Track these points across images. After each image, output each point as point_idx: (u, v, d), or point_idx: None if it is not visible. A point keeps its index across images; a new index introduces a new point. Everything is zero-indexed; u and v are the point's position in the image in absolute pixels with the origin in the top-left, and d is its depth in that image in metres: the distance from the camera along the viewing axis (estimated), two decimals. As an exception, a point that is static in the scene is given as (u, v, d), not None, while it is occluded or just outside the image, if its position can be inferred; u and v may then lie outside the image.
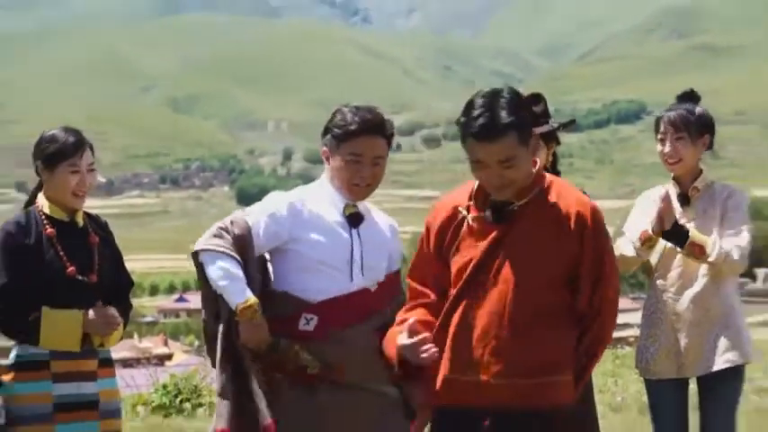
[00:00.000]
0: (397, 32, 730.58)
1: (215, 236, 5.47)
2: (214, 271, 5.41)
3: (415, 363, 4.68)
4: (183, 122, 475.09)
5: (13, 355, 5.88)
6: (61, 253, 5.79)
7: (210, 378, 15.12)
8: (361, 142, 5.47)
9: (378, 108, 5.64)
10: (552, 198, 4.77)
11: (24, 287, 5.72)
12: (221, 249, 5.42)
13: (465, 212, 4.80)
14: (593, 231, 4.72)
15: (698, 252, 5.98)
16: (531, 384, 4.63)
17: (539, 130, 6.10)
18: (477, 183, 4.79)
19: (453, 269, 4.79)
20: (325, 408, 5.39)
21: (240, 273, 5.39)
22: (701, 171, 6.26)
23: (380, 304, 5.50)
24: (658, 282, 6.25)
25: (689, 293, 6.14)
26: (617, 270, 4.87)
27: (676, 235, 5.97)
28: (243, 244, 5.46)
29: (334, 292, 5.44)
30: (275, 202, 5.60)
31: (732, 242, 6.04)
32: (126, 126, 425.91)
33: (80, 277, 5.79)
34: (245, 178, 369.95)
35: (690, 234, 5.97)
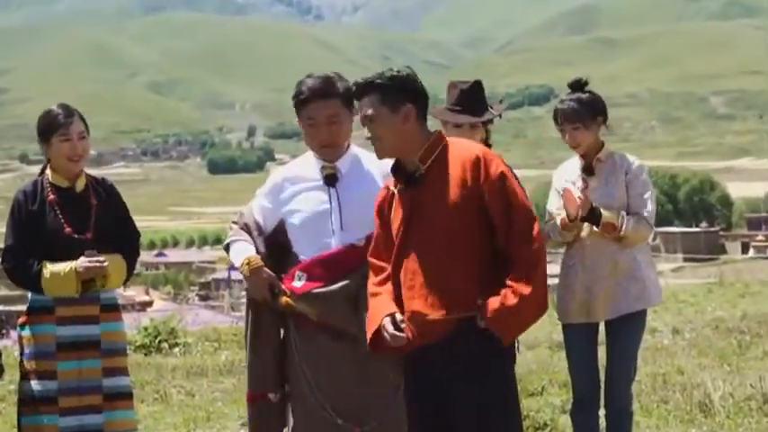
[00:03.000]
0: (344, 27, 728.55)
1: (230, 228, 5.51)
2: (231, 254, 5.40)
3: (391, 345, 4.71)
4: (162, 103, 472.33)
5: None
6: (60, 215, 5.74)
7: (184, 321, 14.97)
8: (312, 108, 5.21)
9: (330, 74, 5.33)
10: (450, 155, 4.70)
11: (30, 246, 5.71)
12: (230, 240, 5.42)
13: (393, 188, 4.79)
14: (486, 169, 4.64)
15: (611, 229, 5.93)
16: (461, 318, 4.63)
17: (484, 118, 6.24)
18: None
19: (392, 234, 4.79)
20: (317, 352, 5.20)
21: (243, 246, 5.36)
22: (602, 144, 6.16)
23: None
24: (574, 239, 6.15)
25: (598, 250, 6.04)
26: (525, 199, 4.76)
27: (593, 218, 5.92)
28: (249, 228, 5.41)
29: (317, 251, 5.21)
30: (267, 183, 5.49)
31: (639, 215, 6.01)
32: (113, 106, 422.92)
33: (76, 236, 5.72)
34: (215, 151, 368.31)
35: (602, 216, 5.92)
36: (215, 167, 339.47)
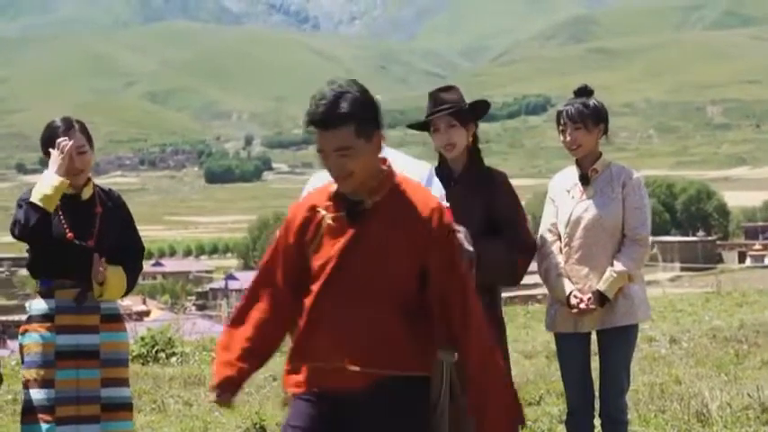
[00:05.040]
0: (341, 37, 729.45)
1: None
2: None
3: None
4: (160, 113, 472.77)
5: (28, 309, 5.90)
6: (63, 221, 5.74)
7: (181, 331, 14.95)
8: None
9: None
10: (403, 197, 4.33)
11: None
12: None
13: (324, 212, 4.35)
14: (440, 229, 4.28)
15: (624, 285, 6.00)
16: (384, 375, 4.26)
17: (447, 112, 5.95)
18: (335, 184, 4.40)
19: (315, 265, 4.35)
20: None
21: None
22: (600, 154, 6.17)
23: None
24: (564, 249, 6.13)
25: (590, 261, 6.05)
26: (469, 266, 4.58)
27: (605, 300, 5.97)
28: None
29: None
30: (309, 185, 5.21)
31: (632, 241, 6.04)
32: (110, 116, 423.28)
33: (78, 242, 5.73)
34: (213, 160, 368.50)
35: (608, 295, 5.94)
36: (212, 177, 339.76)
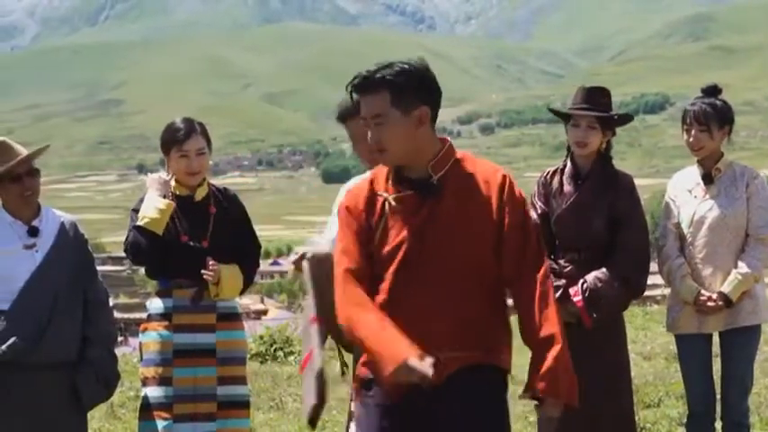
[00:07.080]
0: (457, 37, 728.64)
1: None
2: None
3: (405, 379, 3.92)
4: (277, 114, 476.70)
5: (147, 308, 6.07)
6: (177, 223, 5.85)
7: (300, 330, 15.04)
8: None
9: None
10: (467, 169, 4.19)
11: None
12: None
13: (385, 194, 4.16)
14: (510, 194, 4.16)
15: (750, 287, 5.97)
16: (476, 356, 4.11)
17: (592, 114, 6.00)
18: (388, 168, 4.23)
19: (384, 250, 4.13)
20: None
21: None
22: (722, 154, 6.14)
23: None
24: (687, 249, 6.10)
25: (714, 261, 6.00)
26: (536, 228, 4.39)
27: (729, 304, 5.94)
28: None
29: None
30: (336, 205, 5.16)
31: (756, 239, 5.99)
32: (228, 117, 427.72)
33: (192, 243, 5.85)
34: (330, 161, 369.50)
35: (732, 297, 5.91)
36: (329, 177, 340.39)
